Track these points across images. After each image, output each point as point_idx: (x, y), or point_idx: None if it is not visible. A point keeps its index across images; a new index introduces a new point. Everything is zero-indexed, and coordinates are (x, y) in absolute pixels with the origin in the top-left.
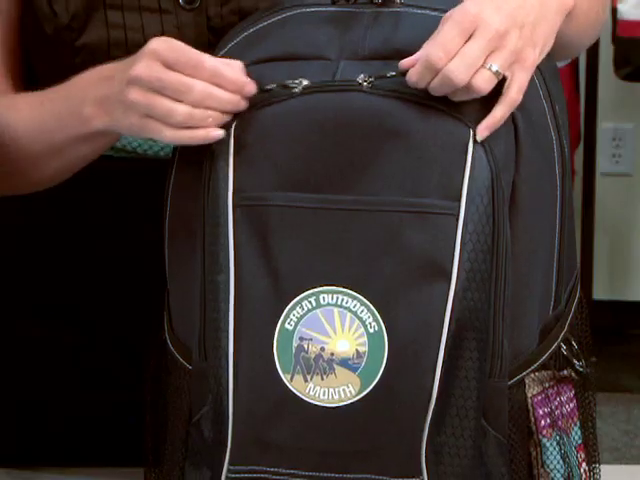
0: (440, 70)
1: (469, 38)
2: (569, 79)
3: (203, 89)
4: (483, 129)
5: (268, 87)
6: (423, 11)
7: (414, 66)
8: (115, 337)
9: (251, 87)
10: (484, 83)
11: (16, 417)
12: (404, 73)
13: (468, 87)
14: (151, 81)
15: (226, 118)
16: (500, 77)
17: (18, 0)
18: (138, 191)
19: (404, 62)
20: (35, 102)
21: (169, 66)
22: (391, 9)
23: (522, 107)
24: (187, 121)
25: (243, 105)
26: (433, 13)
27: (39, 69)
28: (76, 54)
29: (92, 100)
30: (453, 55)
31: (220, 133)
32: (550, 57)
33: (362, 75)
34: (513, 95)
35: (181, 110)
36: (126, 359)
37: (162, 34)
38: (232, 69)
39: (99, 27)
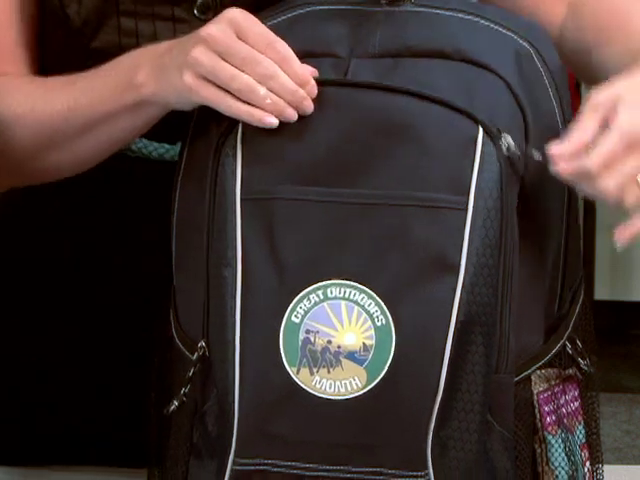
0: (594, 178)
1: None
2: (570, 78)
3: (270, 66)
4: (626, 237)
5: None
6: (434, 10)
7: (562, 158)
8: (117, 337)
9: (314, 89)
10: (633, 199)
11: (18, 418)
12: (544, 155)
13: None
14: (222, 44)
15: (282, 109)
16: None
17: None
18: (141, 192)
19: (554, 150)
20: (64, 82)
21: (242, 37)
22: (402, 8)
23: (533, 106)
24: (246, 93)
25: (304, 104)
26: (445, 12)
27: (50, 71)
28: (88, 57)
29: (146, 67)
30: (612, 169)
31: (275, 122)
32: (559, 60)
33: (373, 72)
34: None
35: (245, 78)
36: (130, 361)
37: None
38: (301, 64)
39: (111, 33)
